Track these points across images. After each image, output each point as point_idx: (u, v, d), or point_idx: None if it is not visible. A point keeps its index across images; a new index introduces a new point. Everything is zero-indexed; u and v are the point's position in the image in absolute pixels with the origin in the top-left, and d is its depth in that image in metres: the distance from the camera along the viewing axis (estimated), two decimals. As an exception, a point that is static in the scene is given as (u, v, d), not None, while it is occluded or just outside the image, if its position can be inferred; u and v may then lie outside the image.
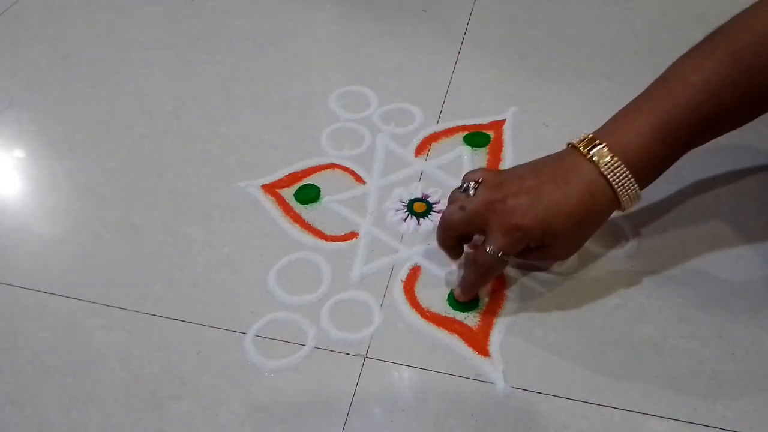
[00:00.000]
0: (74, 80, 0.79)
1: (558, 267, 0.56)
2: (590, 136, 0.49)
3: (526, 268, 0.56)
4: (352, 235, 0.60)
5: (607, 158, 0.47)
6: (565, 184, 0.47)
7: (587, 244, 0.58)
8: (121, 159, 0.69)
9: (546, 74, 0.76)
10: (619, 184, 0.47)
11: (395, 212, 0.62)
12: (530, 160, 0.52)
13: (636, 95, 0.51)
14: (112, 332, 0.54)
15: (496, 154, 0.67)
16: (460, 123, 0.71)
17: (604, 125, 0.50)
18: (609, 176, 0.47)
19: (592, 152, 0.48)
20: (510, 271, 0.56)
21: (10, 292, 0.57)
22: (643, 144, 0.48)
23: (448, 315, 0.54)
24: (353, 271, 0.57)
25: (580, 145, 0.49)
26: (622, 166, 0.47)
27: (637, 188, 0.48)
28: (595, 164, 0.47)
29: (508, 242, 0.48)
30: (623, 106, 0.51)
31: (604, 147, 0.47)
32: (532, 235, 0.47)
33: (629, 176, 0.47)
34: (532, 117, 0.71)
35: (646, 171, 0.49)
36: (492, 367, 0.50)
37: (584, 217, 0.48)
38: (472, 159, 0.67)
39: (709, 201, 0.61)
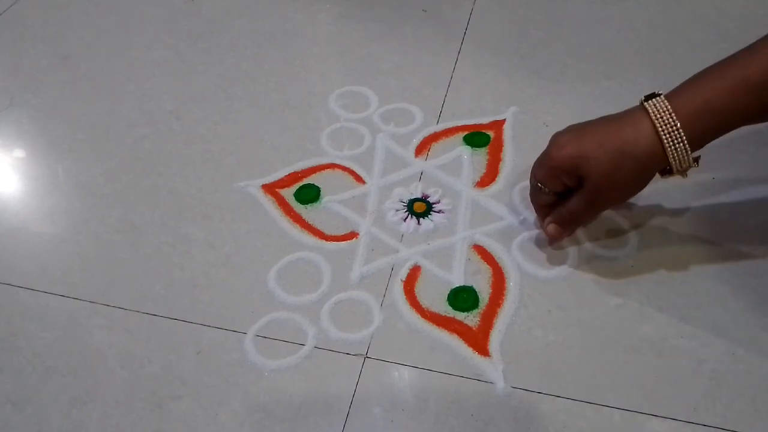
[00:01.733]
0: (74, 80, 0.79)
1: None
2: (656, 92, 0.51)
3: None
4: (352, 235, 0.60)
5: (659, 105, 0.48)
6: (610, 123, 0.50)
7: (587, 244, 0.58)
8: (121, 159, 0.69)
9: (546, 74, 0.76)
10: (662, 122, 0.48)
11: (395, 212, 0.62)
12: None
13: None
14: (113, 332, 0.54)
15: (496, 154, 0.67)
16: (460, 123, 0.71)
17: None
18: (650, 111, 0.48)
19: (648, 101, 0.49)
20: (510, 271, 0.56)
21: (10, 292, 0.57)
22: (698, 99, 0.48)
23: (448, 315, 0.54)
24: (353, 271, 0.57)
25: (643, 96, 0.50)
26: (669, 109, 0.48)
27: (682, 135, 0.47)
28: (646, 108, 0.49)
29: (543, 172, 0.52)
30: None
31: (660, 96, 0.49)
32: (561, 166, 0.51)
33: (673, 117, 0.47)
34: (532, 117, 0.71)
35: (695, 120, 0.48)
36: (492, 367, 0.50)
37: (622, 152, 0.49)
38: (472, 159, 0.67)
39: (709, 201, 0.61)
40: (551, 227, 0.55)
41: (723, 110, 0.47)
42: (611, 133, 0.50)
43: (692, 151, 0.49)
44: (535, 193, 0.55)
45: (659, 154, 0.49)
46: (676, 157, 0.49)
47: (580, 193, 0.52)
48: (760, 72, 0.47)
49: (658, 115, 0.48)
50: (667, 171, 0.51)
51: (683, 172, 0.51)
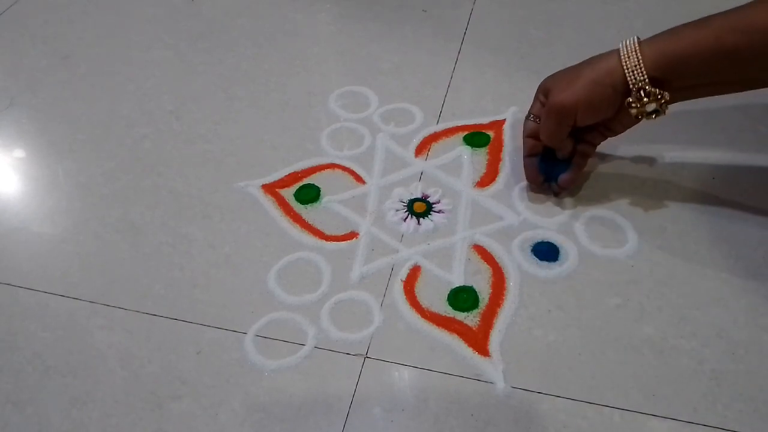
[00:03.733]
0: (74, 80, 0.79)
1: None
2: None
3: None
4: (352, 235, 0.60)
5: (629, 41, 0.53)
6: (589, 59, 0.56)
7: (587, 244, 0.58)
8: (121, 159, 0.69)
9: (546, 74, 0.76)
10: (625, 53, 0.52)
11: (395, 212, 0.62)
12: None
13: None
14: (112, 332, 0.54)
15: (496, 154, 0.67)
16: (460, 123, 0.70)
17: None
18: (620, 49, 0.53)
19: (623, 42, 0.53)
20: (510, 271, 0.56)
21: (10, 292, 0.57)
22: (666, 47, 0.52)
23: (448, 315, 0.54)
24: (353, 271, 0.57)
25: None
26: (635, 44, 0.52)
27: (636, 46, 0.52)
28: (619, 48, 0.53)
29: (533, 101, 0.60)
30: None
31: (634, 38, 0.53)
32: (539, 87, 0.59)
33: (638, 53, 0.52)
34: (532, 117, 0.71)
35: (654, 41, 0.53)
36: (492, 367, 0.50)
37: (581, 63, 0.56)
38: (472, 159, 0.67)
39: (709, 201, 0.61)
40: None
41: (682, 36, 0.52)
42: (582, 64, 0.56)
43: (653, 78, 0.52)
44: (524, 124, 0.61)
45: (614, 66, 0.53)
46: (629, 66, 0.52)
47: (545, 106, 0.57)
48: (722, 16, 0.50)
49: (626, 42, 0.53)
50: (630, 101, 0.53)
51: (639, 92, 0.52)
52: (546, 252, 0.57)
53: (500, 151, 0.67)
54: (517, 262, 0.57)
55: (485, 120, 0.71)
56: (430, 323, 0.53)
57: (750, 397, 0.48)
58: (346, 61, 0.80)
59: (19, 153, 0.71)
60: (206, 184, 0.66)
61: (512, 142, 0.68)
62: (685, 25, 0.53)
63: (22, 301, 0.56)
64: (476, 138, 0.69)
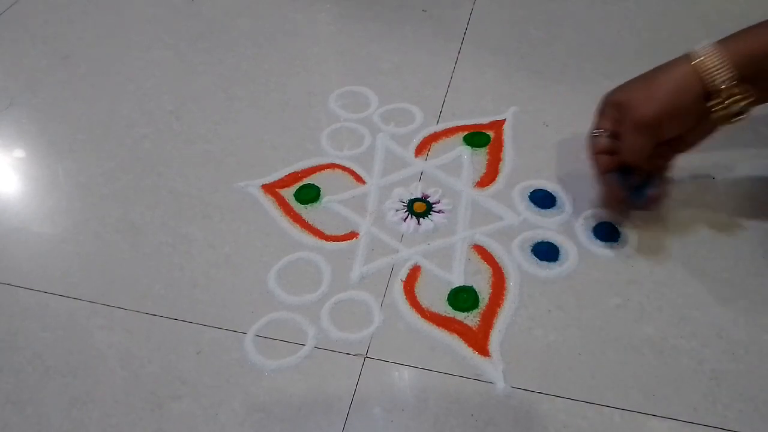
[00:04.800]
0: (74, 80, 0.79)
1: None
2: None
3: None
4: (352, 235, 0.60)
5: (700, 45, 0.50)
6: (658, 68, 0.52)
7: (587, 244, 0.58)
8: (121, 159, 0.69)
9: (546, 74, 0.76)
10: (702, 56, 0.50)
11: (395, 212, 0.62)
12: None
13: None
14: (112, 332, 0.54)
15: (496, 154, 0.67)
16: (460, 123, 0.70)
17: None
18: (692, 54, 0.50)
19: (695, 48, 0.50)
20: (510, 271, 0.56)
21: (10, 292, 0.57)
22: (745, 47, 0.49)
23: (448, 315, 0.54)
24: (353, 271, 0.57)
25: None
26: (710, 47, 0.49)
27: (716, 48, 0.49)
28: (691, 54, 0.50)
29: (595, 115, 0.56)
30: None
31: (705, 42, 0.50)
32: (605, 99, 0.55)
33: (719, 53, 0.49)
34: (532, 117, 0.71)
35: (734, 40, 0.50)
36: (492, 367, 0.50)
37: (656, 71, 0.52)
38: (472, 159, 0.67)
39: (709, 201, 0.61)
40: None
41: (761, 35, 0.49)
42: (656, 72, 0.53)
43: (739, 81, 0.49)
44: (591, 141, 0.57)
45: (692, 71, 0.50)
46: (711, 66, 0.49)
47: (625, 122, 0.53)
48: None
49: (698, 47, 0.50)
50: (710, 99, 0.50)
51: (724, 98, 0.49)
52: (546, 252, 0.58)
53: (500, 151, 0.67)
54: (517, 262, 0.57)
55: (485, 120, 0.71)
56: (430, 323, 0.53)
57: (750, 397, 0.48)
58: (346, 61, 0.80)
59: (19, 153, 0.71)
60: (206, 184, 0.66)
61: (512, 142, 0.68)
62: (759, 26, 0.50)
63: (22, 301, 0.56)
64: (476, 138, 0.69)
